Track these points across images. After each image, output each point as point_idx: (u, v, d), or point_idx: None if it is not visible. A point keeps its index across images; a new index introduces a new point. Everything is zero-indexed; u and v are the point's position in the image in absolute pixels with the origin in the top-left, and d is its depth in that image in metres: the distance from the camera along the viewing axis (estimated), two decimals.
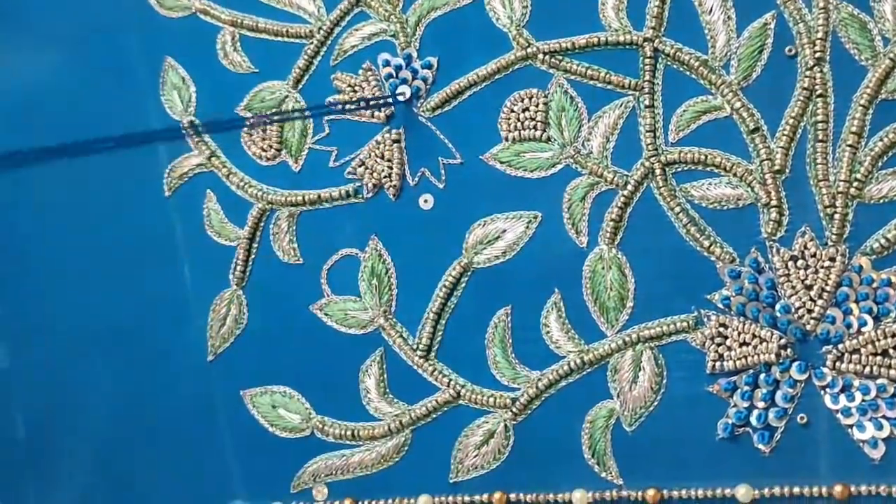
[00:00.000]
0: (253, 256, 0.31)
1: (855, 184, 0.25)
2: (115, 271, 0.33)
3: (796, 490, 0.25)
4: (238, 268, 0.31)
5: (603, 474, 0.26)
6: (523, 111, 0.28)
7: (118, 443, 0.33)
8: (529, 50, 0.28)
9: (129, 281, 0.32)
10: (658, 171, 0.27)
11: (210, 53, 0.32)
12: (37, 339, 0.34)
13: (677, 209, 0.27)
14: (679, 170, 0.27)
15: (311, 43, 0.31)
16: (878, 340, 0.25)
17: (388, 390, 0.29)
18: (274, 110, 0.30)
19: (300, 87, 0.31)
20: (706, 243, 0.26)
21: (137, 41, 0.33)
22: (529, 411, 0.28)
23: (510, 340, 0.28)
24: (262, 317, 0.31)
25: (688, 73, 0.27)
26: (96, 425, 0.33)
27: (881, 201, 0.25)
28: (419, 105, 0.30)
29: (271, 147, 0.31)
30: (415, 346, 0.28)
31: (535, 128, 0.28)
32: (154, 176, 0.32)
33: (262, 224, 0.31)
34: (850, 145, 0.25)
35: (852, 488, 0.24)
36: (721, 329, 0.26)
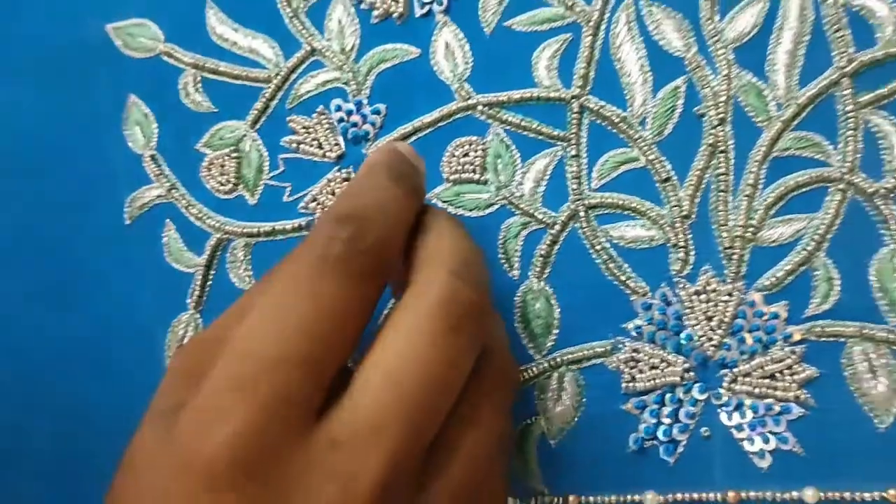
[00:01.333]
0: (209, 283, 0.33)
1: (750, 229, 0.29)
2: (76, 294, 0.34)
3: (696, 496, 0.27)
4: (195, 293, 0.33)
5: (529, 483, 0.29)
6: (463, 156, 0.31)
7: (74, 453, 0.34)
8: (470, 101, 0.31)
9: (90, 304, 0.34)
10: (582, 214, 0.30)
11: (173, 93, 0.33)
12: None
13: (598, 247, 0.30)
14: (600, 213, 0.30)
15: (269, 87, 0.33)
16: (767, 365, 0.28)
17: None
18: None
19: (257, 126, 0.33)
20: (623, 278, 0.29)
21: (103, 78, 0.35)
22: None
23: None
24: None
25: (609, 127, 0.30)
26: (54, 437, 0.35)
27: (772, 244, 0.29)
28: (367, 147, 0.32)
29: (229, 182, 0.33)
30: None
31: (473, 171, 0.31)
32: (115, 205, 0.35)
33: (218, 253, 0.33)
34: (746, 195, 0.29)
35: (742, 494, 0.27)
36: (634, 354, 0.28)
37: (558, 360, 0.29)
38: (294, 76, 0.33)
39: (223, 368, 0.21)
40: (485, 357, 0.23)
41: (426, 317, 0.21)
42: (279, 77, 0.33)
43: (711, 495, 0.27)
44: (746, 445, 0.27)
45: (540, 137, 0.30)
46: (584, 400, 0.29)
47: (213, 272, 0.32)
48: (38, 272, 0.34)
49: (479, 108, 0.31)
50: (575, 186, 0.30)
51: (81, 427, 0.34)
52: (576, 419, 0.29)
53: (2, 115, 0.35)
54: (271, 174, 0.32)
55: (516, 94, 0.30)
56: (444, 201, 0.30)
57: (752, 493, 0.27)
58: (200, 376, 0.21)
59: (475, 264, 0.24)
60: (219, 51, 0.33)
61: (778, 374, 0.27)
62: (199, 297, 0.32)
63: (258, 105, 0.33)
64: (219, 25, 0.33)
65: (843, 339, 0.27)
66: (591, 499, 0.28)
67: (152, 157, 0.33)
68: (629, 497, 0.28)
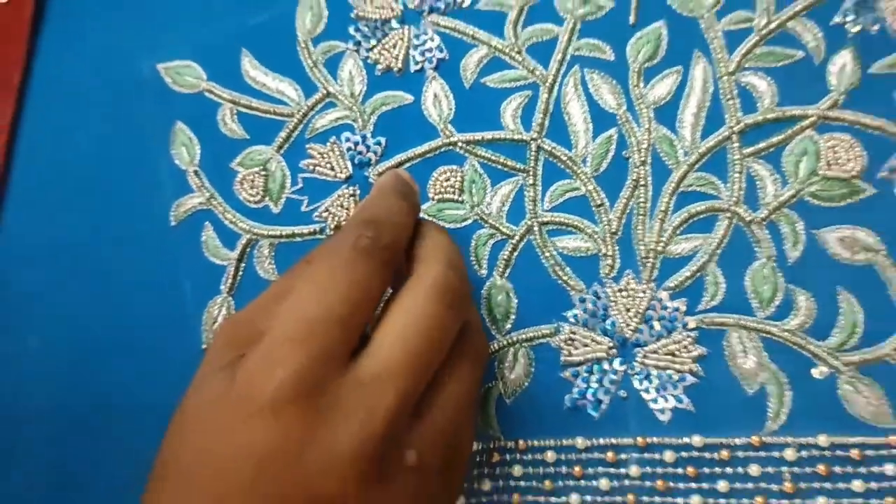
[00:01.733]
0: (240, 273, 0.41)
1: (661, 244, 0.38)
2: (129, 283, 0.41)
3: (614, 440, 0.36)
4: (228, 281, 0.41)
5: (489, 431, 0.38)
6: (446, 180, 0.39)
7: (127, 421, 0.42)
8: (451, 139, 0.40)
9: (140, 291, 0.41)
10: (536, 228, 0.39)
11: (212, 122, 0.42)
12: (58, 340, 0.43)
13: (547, 254, 0.39)
14: (550, 228, 0.39)
15: (292, 120, 0.41)
16: (669, 346, 0.36)
17: None
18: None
19: (281, 151, 0.41)
20: (565, 278, 0.38)
21: (155, 108, 0.43)
22: None
23: None
24: None
25: (558, 163, 0.39)
26: (113, 412, 0.41)
27: (676, 256, 0.38)
28: (370, 171, 0.41)
29: (258, 194, 0.41)
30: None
31: (453, 193, 0.39)
32: (162, 210, 0.43)
33: (248, 250, 0.41)
34: (659, 219, 0.38)
35: (648, 439, 0.36)
36: (571, 335, 0.37)
37: (514, 338, 0.38)
38: (312, 113, 0.41)
39: (279, 327, 0.28)
40: (464, 331, 0.32)
41: (425, 296, 0.30)
42: (300, 113, 0.41)
43: (626, 440, 0.36)
44: (652, 404, 0.36)
45: (505, 169, 0.39)
46: (532, 369, 0.37)
47: (243, 265, 0.40)
48: (96, 266, 0.42)
49: (459, 144, 0.39)
50: (531, 207, 0.38)
51: (128, 399, 0.41)
52: (525, 384, 0.37)
53: (72, 135, 0.43)
54: (292, 189, 0.41)
55: (488, 135, 0.39)
56: (430, 215, 0.39)
57: (655, 439, 0.36)
58: (244, 345, 0.29)
59: (459, 261, 0.32)
60: (251, 90, 0.42)
61: (677, 352, 0.36)
62: (231, 284, 0.40)
63: (283, 134, 0.41)
64: (252, 70, 0.42)
65: (725, 328, 0.36)
66: (536, 442, 0.36)
67: (195, 172, 0.41)
68: (564, 441, 0.36)
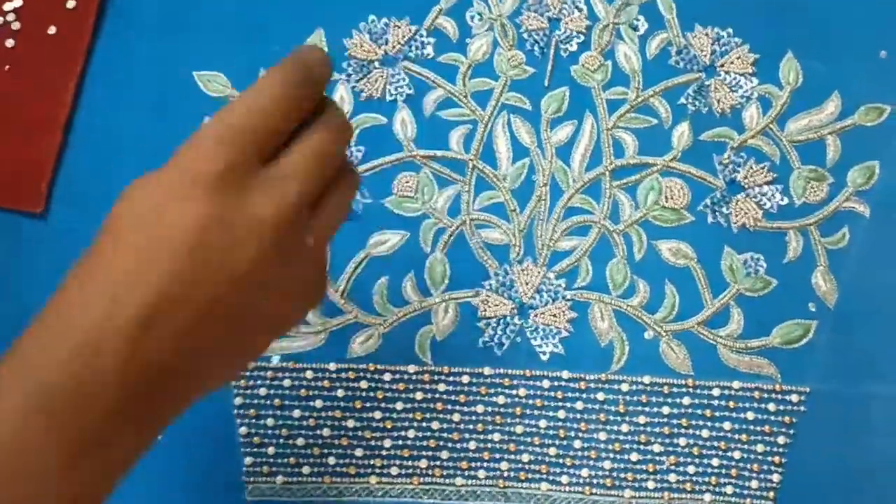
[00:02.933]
0: None
1: (552, 241, 0.55)
2: None
3: (510, 371, 0.52)
4: None
5: (424, 360, 0.54)
6: (406, 182, 0.55)
7: None
8: (412, 153, 0.55)
9: None
10: (468, 222, 0.55)
11: None
12: None
13: (474, 241, 0.55)
14: (478, 223, 0.55)
15: None
16: (553, 310, 0.54)
17: (319, 311, 0.55)
18: None
19: None
20: (486, 258, 0.55)
21: (188, 106, 0.56)
22: (392, 326, 0.54)
23: (385, 293, 0.55)
24: None
25: (487, 178, 0.55)
26: None
27: (562, 250, 0.55)
28: None
29: None
30: (336, 290, 0.55)
31: (410, 192, 0.55)
32: None
33: None
34: (552, 224, 0.55)
35: (534, 372, 0.53)
36: (486, 297, 0.53)
37: (447, 297, 0.54)
38: None
39: (210, 128, 0.33)
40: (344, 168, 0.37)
41: (324, 126, 0.35)
42: None
43: (517, 371, 0.53)
44: (537, 348, 0.53)
45: (449, 178, 0.55)
46: (457, 319, 0.53)
47: None
48: None
49: (417, 157, 0.55)
50: (465, 207, 0.55)
51: None
52: (452, 329, 0.53)
53: (125, 127, 0.56)
54: None
55: (439, 153, 0.55)
56: (393, 207, 0.54)
57: (537, 372, 0.53)
58: None
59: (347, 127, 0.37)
60: None
61: (558, 315, 0.53)
62: None
63: None
64: None
65: (590, 301, 0.53)
66: (456, 369, 0.53)
67: None
68: (476, 369, 0.53)
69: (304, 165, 0.34)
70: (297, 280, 0.35)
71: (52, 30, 0.57)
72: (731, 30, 0.56)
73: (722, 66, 0.55)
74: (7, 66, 0.57)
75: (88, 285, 0.31)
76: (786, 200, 0.54)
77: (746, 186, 0.54)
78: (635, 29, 0.56)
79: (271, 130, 0.34)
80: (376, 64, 0.56)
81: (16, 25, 0.57)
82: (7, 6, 0.57)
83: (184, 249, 0.31)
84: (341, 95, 0.56)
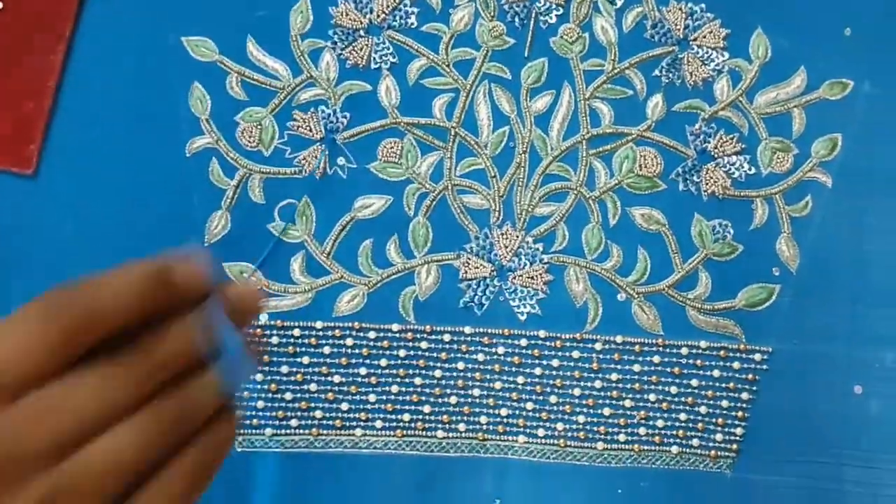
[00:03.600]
0: (237, 195, 0.57)
1: (531, 206, 0.57)
2: (149, 192, 0.57)
3: (491, 329, 0.55)
4: (227, 201, 0.57)
5: (407, 319, 0.56)
6: (390, 147, 0.57)
7: None
8: (396, 120, 0.58)
9: (158, 204, 0.56)
10: (450, 188, 0.57)
11: (222, 85, 0.57)
12: (92, 236, 0.57)
13: (456, 205, 0.57)
14: (459, 188, 0.57)
15: (283, 92, 0.57)
16: (531, 273, 0.56)
17: (306, 271, 0.57)
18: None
19: (273, 113, 0.57)
20: (466, 222, 0.56)
21: (178, 70, 0.58)
22: (377, 287, 0.57)
23: (370, 255, 0.57)
24: (239, 227, 0.57)
25: (468, 145, 0.57)
26: None
27: (540, 216, 0.57)
28: (337, 136, 0.58)
29: (253, 141, 0.57)
30: (323, 251, 0.57)
31: (395, 158, 0.57)
32: (179, 145, 0.58)
33: (243, 180, 0.57)
34: (530, 190, 0.57)
35: (512, 331, 0.56)
36: (468, 260, 0.56)
37: (429, 259, 0.56)
38: (297, 89, 0.57)
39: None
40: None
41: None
42: (289, 87, 0.57)
43: (497, 330, 0.55)
44: (515, 309, 0.55)
45: (432, 144, 0.57)
46: (440, 280, 0.56)
47: (239, 190, 0.57)
48: (126, 185, 0.56)
49: (402, 124, 0.57)
50: (447, 173, 0.57)
51: None
52: (434, 289, 0.56)
53: (114, 91, 0.57)
54: (279, 141, 0.57)
55: (422, 120, 0.57)
56: (377, 170, 0.56)
57: (515, 331, 0.55)
58: None
59: None
60: (253, 66, 0.58)
61: (535, 277, 0.56)
62: (229, 203, 0.56)
63: (275, 101, 0.57)
64: (255, 51, 0.58)
65: (566, 264, 0.56)
66: (438, 328, 0.55)
67: (207, 120, 0.57)
68: (457, 328, 0.55)
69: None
70: None
71: None
72: (703, 5, 0.58)
73: (695, 40, 0.58)
74: None
75: None
76: (753, 170, 0.57)
77: (716, 156, 0.57)
78: (612, 3, 0.58)
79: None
80: (361, 32, 0.58)
81: None
82: None
83: None
84: (327, 62, 0.57)
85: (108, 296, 0.26)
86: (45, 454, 0.25)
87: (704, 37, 0.58)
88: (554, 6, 0.58)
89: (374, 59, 0.58)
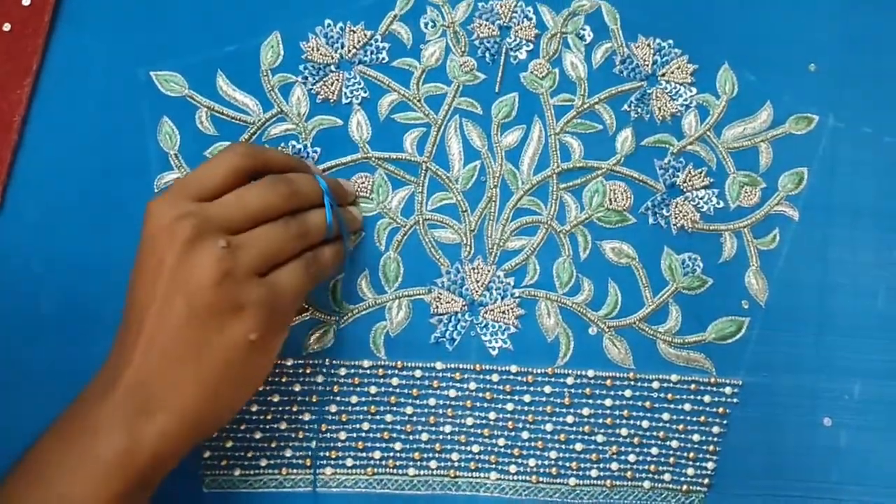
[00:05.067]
0: None
1: (502, 240, 0.57)
2: (121, 223, 0.55)
3: (461, 365, 0.55)
4: None
5: (378, 355, 0.56)
6: (361, 183, 0.57)
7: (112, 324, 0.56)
8: (367, 155, 0.57)
9: (125, 240, 0.56)
10: (421, 222, 0.57)
11: (191, 119, 0.57)
12: (61, 269, 0.56)
13: (427, 240, 0.57)
14: (431, 222, 0.57)
15: (253, 127, 0.57)
16: (501, 307, 0.56)
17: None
18: None
19: None
20: (437, 256, 0.56)
21: (147, 105, 0.57)
22: (346, 323, 0.56)
23: (340, 290, 0.57)
24: None
25: (439, 180, 0.57)
26: (102, 317, 0.56)
27: (511, 249, 0.57)
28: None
29: None
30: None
31: (366, 192, 0.57)
32: (148, 180, 0.57)
33: None
34: (501, 224, 0.57)
35: (483, 366, 0.55)
36: (439, 295, 0.56)
37: (400, 294, 0.56)
38: (268, 123, 0.57)
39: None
40: (317, 251, 0.50)
41: (256, 186, 0.49)
42: (259, 122, 0.57)
43: (468, 366, 0.55)
44: (487, 344, 0.55)
45: (403, 179, 0.57)
46: (411, 315, 0.55)
47: None
48: (95, 220, 0.56)
49: (372, 159, 0.57)
50: (418, 207, 0.57)
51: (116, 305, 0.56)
52: (405, 325, 0.55)
53: (79, 121, 0.56)
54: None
55: (393, 155, 0.57)
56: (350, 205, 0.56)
57: (487, 366, 0.55)
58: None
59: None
60: (223, 100, 0.57)
61: (506, 311, 0.55)
62: None
63: (245, 136, 0.57)
64: (225, 85, 0.57)
65: (537, 298, 0.56)
66: (409, 363, 0.55)
67: (175, 155, 0.57)
68: (428, 364, 0.55)
69: (228, 202, 0.47)
70: (215, 271, 0.44)
71: (6, 27, 0.57)
72: (671, 41, 0.59)
73: (663, 75, 0.58)
74: None
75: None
76: (721, 204, 0.57)
77: (685, 190, 0.57)
78: (582, 38, 0.58)
79: (205, 185, 0.48)
80: (332, 67, 0.58)
81: None
82: None
83: (143, 266, 0.46)
84: (297, 97, 0.57)
85: (270, 152, 0.52)
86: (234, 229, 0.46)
87: (672, 72, 0.58)
88: (524, 42, 0.58)
89: (345, 93, 0.57)
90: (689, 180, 0.57)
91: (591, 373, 0.55)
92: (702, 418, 0.55)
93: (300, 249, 0.49)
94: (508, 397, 0.55)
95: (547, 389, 0.55)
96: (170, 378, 0.42)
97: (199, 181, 0.47)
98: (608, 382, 0.55)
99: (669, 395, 0.55)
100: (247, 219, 0.46)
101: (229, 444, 0.53)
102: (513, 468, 0.54)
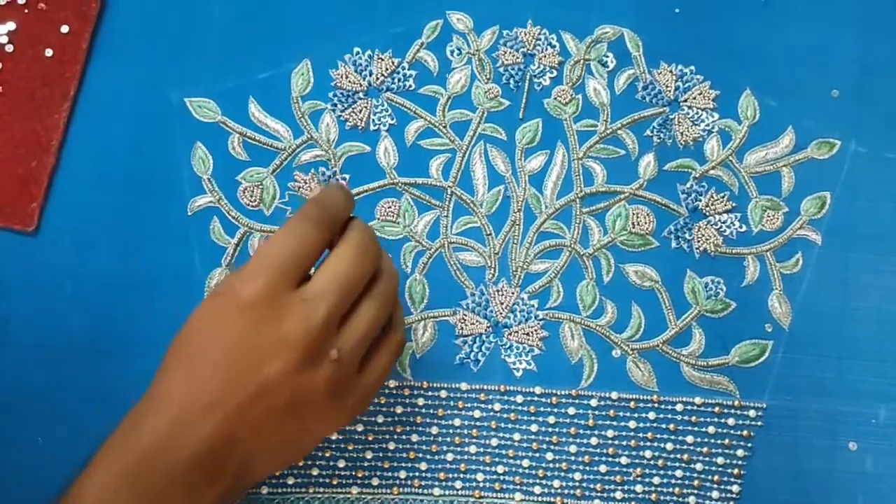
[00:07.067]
0: (236, 254, 0.58)
1: (526, 263, 0.58)
2: (153, 253, 0.56)
3: (486, 386, 0.55)
4: (227, 258, 0.58)
5: (404, 375, 0.57)
6: (388, 208, 0.58)
7: (145, 351, 0.57)
8: (394, 180, 0.59)
9: (160, 263, 0.57)
10: (446, 245, 0.58)
11: (224, 145, 0.59)
12: (93, 292, 0.58)
13: (452, 262, 0.58)
14: (455, 245, 0.58)
15: (284, 153, 0.59)
16: (525, 329, 0.57)
17: None
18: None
19: (274, 173, 0.58)
20: (462, 279, 0.57)
21: (181, 130, 0.59)
22: None
23: None
24: None
25: (464, 204, 0.58)
26: (136, 345, 0.57)
27: (535, 272, 0.58)
28: None
29: (255, 200, 0.58)
30: None
31: (392, 217, 0.58)
32: (182, 204, 0.59)
33: (243, 238, 0.58)
34: (525, 247, 0.58)
35: (508, 387, 0.55)
36: (464, 316, 0.57)
37: (426, 315, 0.57)
38: (298, 150, 0.59)
39: (255, 259, 0.42)
40: (378, 277, 0.45)
41: (347, 248, 0.43)
42: (290, 148, 0.59)
43: (493, 387, 0.56)
44: (511, 365, 0.56)
45: (429, 203, 0.58)
46: (436, 337, 0.56)
47: (238, 248, 0.57)
48: (130, 242, 0.57)
49: (399, 184, 0.58)
50: (444, 231, 0.58)
51: (149, 336, 0.57)
52: (431, 346, 0.56)
53: (117, 150, 0.58)
54: (280, 201, 0.58)
55: (420, 180, 0.58)
56: (376, 229, 0.57)
57: (511, 387, 0.55)
58: None
59: (372, 234, 0.46)
60: (255, 126, 0.59)
61: (530, 333, 0.56)
62: (229, 260, 0.57)
63: (276, 162, 0.58)
64: (257, 112, 0.59)
65: (561, 320, 0.57)
66: (434, 384, 0.55)
67: (209, 179, 0.58)
68: (453, 384, 0.55)
69: (329, 289, 0.42)
70: (328, 386, 0.42)
71: (48, 52, 0.59)
72: (693, 67, 0.59)
73: (685, 101, 0.59)
74: (0, 88, 0.59)
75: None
76: (744, 228, 0.58)
77: (707, 214, 0.58)
78: (604, 65, 0.60)
79: (299, 264, 0.42)
80: (360, 95, 0.59)
81: (9, 48, 0.59)
82: (1, 29, 0.60)
83: (230, 355, 0.41)
84: (327, 124, 0.59)
85: (339, 201, 0.46)
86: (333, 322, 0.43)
87: (694, 98, 0.59)
88: (548, 69, 0.59)
89: (373, 120, 0.59)
90: (712, 204, 0.58)
91: (615, 395, 0.56)
92: (726, 441, 0.55)
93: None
94: (533, 418, 0.55)
95: (571, 411, 0.56)
96: (261, 455, 0.43)
97: (292, 260, 0.42)
98: (632, 405, 0.56)
99: (693, 418, 0.56)
100: (348, 302, 0.44)
101: None
102: (537, 489, 0.55)
